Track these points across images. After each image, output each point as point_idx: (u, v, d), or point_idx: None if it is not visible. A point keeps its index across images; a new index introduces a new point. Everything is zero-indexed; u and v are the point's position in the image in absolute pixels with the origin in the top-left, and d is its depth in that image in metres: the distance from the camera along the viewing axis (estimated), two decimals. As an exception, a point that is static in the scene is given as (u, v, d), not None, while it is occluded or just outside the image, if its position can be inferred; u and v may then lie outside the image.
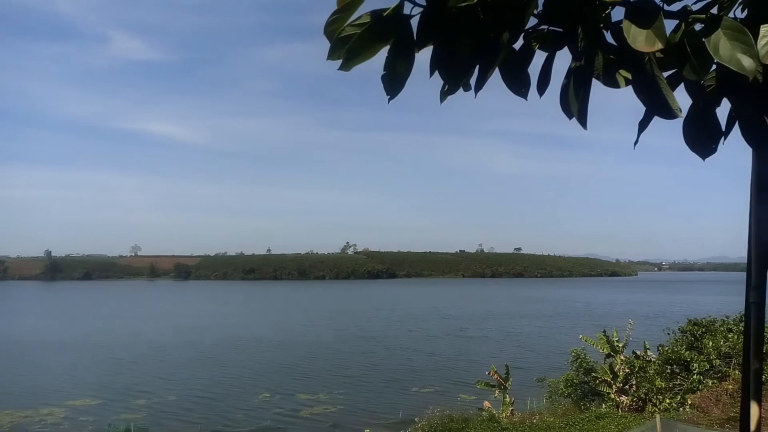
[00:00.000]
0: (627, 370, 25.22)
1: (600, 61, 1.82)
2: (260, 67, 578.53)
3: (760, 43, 1.62)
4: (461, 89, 1.92)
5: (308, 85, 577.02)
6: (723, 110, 1.96)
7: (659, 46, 1.61)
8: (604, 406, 24.68)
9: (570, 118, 1.93)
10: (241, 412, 33.57)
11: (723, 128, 1.95)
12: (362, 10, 1.76)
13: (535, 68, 2.01)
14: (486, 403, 27.15)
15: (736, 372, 21.65)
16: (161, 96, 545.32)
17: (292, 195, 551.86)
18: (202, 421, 31.61)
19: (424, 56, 1.86)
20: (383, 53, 1.81)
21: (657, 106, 1.81)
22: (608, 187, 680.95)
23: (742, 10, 1.81)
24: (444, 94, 1.93)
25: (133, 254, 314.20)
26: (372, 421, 30.43)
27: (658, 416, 17.75)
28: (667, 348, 25.99)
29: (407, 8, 1.75)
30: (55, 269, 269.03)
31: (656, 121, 1.91)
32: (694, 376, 23.18)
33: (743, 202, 2.15)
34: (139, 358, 52.09)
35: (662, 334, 29.49)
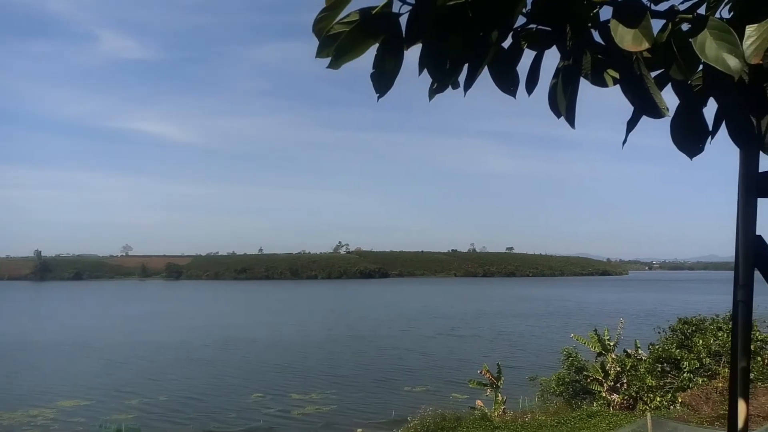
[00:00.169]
0: (618, 369, 25.37)
1: (588, 60, 1.82)
2: (252, 67, 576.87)
3: (746, 43, 1.63)
4: (450, 87, 1.93)
5: (301, 84, 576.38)
6: (710, 110, 1.97)
7: (646, 45, 1.62)
8: (595, 404, 24.82)
9: (558, 116, 1.93)
10: (232, 413, 33.48)
11: (710, 128, 1.96)
12: (351, 8, 1.76)
13: (523, 67, 2.01)
14: (478, 402, 27.23)
15: (726, 370, 21.80)
16: (153, 95, 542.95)
17: (284, 194, 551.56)
18: (194, 422, 31.49)
19: (413, 55, 1.87)
20: (372, 51, 1.81)
21: (645, 105, 1.82)
22: (599, 187, 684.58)
23: (729, 11, 1.82)
24: (433, 93, 1.93)
25: (124, 254, 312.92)
26: (364, 421, 30.44)
27: (648, 414, 17.86)
28: (657, 346, 26.15)
29: (396, 6, 1.75)
30: (45, 269, 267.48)
31: (646, 120, 1.92)
32: (685, 375, 23.34)
33: (732, 202, 2.17)
34: (130, 359, 51.85)
35: (653, 332, 29.65)
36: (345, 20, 1.76)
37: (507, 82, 1.99)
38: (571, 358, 26.85)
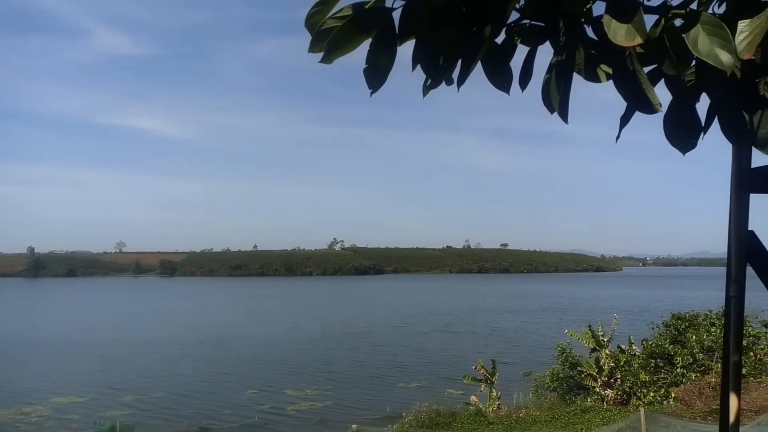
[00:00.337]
0: (612, 364, 25.49)
1: (581, 55, 1.83)
2: (247, 63, 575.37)
3: (738, 38, 1.63)
4: (444, 83, 1.93)
5: (296, 80, 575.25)
6: (703, 105, 1.97)
7: (639, 40, 1.62)
8: (589, 399, 24.93)
9: (552, 112, 1.94)
10: (227, 409, 33.45)
11: (703, 123, 1.96)
12: (344, 3, 1.76)
13: (517, 63, 2.01)
14: (473, 398, 27.31)
15: (719, 365, 21.93)
16: (147, 91, 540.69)
17: (279, 191, 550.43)
18: (188, 418, 31.46)
19: (407, 51, 1.86)
20: (365, 46, 1.81)
21: (638, 100, 1.82)
22: (593, 183, 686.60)
23: (720, 6, 1.82)
24: (426, 88, 1.93)
25: (118, 251, 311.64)
26: (359, 417, 30.45)
27: (642, 409, 17.94)
28: (651, 342, 26.28)
29: (389, 1, 1.75)
30: (39, 266, 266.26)
31: (639, 116, 1.93)
32: (678, 370, 23.47)
33: (725, 198, 2.17)
34: (124, 356, 51.71)
35: (646, 328, 29.78)
36: (338, 15, 1.76)
37: (500, 78, 1.99)
38: (565, 354, 26.96)
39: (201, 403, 34.93)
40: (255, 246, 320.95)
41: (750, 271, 2.18)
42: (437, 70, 1.85)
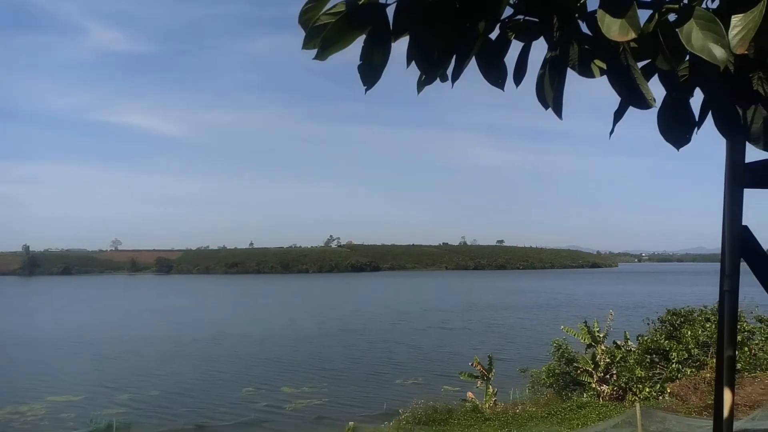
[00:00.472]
0: (608, 360, 25.58)
1: (575, 51, 1.83)
2: (243, 59, 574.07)
3: (732, 33, 1.63)
4: (439, 80, 1.92)
5: (291, 77, 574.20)
6: (696, 100, 1.98)
7: (633, 35, 1.62)
8: (585, 395, 25.02)
9: (546, 108, 1.94)
10: (223, 407, 33.41)
11: (696, 118, 1.97)
12: (337, -1, 1.75)
13: (511, 59, 2.01)
14: (469, 394, 27.38)
15: (714, 360, 22.03)
16: (142, 88, 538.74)
17: (275, 188, 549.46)
18: (184, 416, 31.41)
19: (401, 47, 1.86)
20: (359, 43, 1.81)
21: (631, 96, 1.82)
22: (588, 179, 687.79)
23: (713, 1, 1.82)
24: (421, 85, 1.92)
25: (114, 248, 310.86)
26: (356, 414, 30.47)
27: (638, 405, 18.01)
28: (646, 338, 26.36)
29: (383, -3, 1.75)
30: (34, 264, 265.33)
31: (633, 111, 1.93)
32: (673, 365, 23.56)
33: (720, 193, 2.18)
34: (120, 353, 51.61)
35: (642, 324, 29.86)
36: (331, 11, 1.75)
37: (495, 74, 1.99)
38: (561, 350, 27.02)
39: (197, 401, 34.88)
40: (251, 243, 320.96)
41: (744, 266, 2.19)
42: (431, 66, 1.85)
